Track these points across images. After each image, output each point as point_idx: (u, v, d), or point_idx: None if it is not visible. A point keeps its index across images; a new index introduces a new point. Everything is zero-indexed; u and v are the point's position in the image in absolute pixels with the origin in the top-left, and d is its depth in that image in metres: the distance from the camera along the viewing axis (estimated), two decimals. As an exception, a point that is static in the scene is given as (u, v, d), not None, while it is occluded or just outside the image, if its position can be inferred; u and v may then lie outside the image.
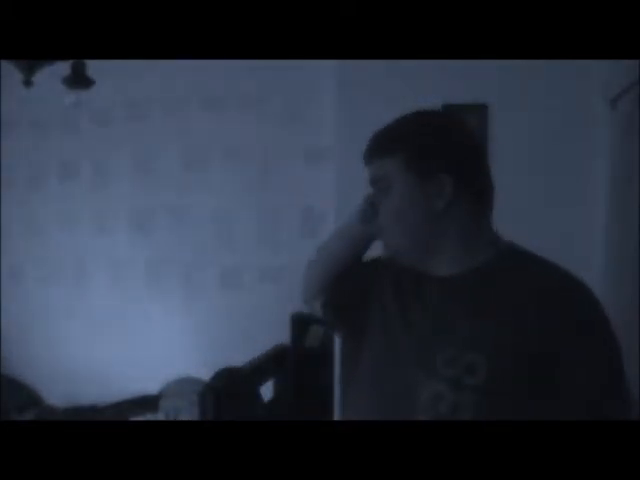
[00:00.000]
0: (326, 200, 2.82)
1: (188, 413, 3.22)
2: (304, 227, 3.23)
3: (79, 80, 2.60)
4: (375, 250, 1.31)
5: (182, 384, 3.36)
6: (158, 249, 3.63)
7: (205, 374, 2.53)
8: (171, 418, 3.31)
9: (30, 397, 3.64)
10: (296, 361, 1.84)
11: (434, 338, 1.11)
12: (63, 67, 2.51)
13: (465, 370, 1.05)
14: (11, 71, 2.24)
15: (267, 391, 2.68)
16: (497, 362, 1.05)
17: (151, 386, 3.42)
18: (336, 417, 1.51)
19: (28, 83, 2.19)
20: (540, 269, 1.13)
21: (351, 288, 1.31)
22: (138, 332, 3.62)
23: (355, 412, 1.21)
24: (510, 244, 1.18)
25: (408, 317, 1.17)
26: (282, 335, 2.89)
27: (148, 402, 3.39)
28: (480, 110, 2.42)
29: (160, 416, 3.35)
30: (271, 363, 1.91)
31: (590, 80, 2.33)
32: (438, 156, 1.14)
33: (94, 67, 2.62)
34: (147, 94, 3.56)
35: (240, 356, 2.50)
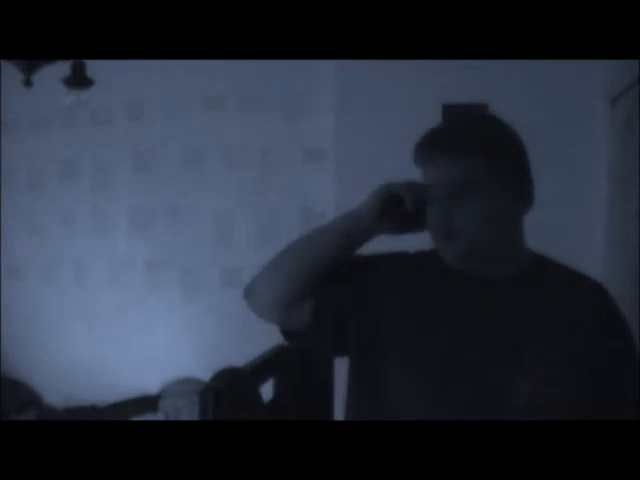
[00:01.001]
0: (326, 200, 2.82)
1: (188, 413, 3.22)
2: (304, 227, 3.22)
3: (79, 80, 2.59)
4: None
5: (182, 384, 3.36)
6: (158, 249, 3.62)
7: (205, 374, 2.53)
8: (171, 418, 3.31)
9: (30, 397, 3.63)
10: (296, 361, 1.83)
11: (514, 338, 1.11)
12: (63, 67, 2.50)
13: (553, 367, 1.08)
14: (11, 71, 2.24)
15: (267, 391, 2.68)
16: (577, 359, 1.09)
17: (151, 386, 3.42)
18: (336, 417, 1.51)
19: (28, 83, 2.19)
20: (570, 274, 1.20)
21: (352, 288, 1.18)
22: (138, 332, 3.62)
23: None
24: (534, 252, 1.22)
25: (470, 319, 1.14)
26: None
27: (148, 402, 3.38)
28: (480, 110, 2.42)
29: (160, 416, 3.35)
30: (271, 363, 1.90)
31: (590, 80, 2.33)
32: (519, 161, 1.16)
33: (94, 67, 2.62)
34: (147, 94, 3.55)
35: (240, 356, 2.50)
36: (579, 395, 1.10)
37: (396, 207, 1.13)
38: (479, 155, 1.10)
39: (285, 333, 1.23)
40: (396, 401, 1.13)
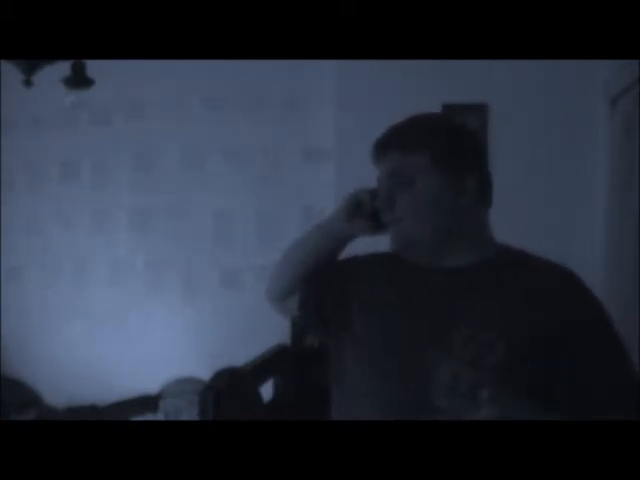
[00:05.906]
0: (326, 200, 2.81)
1: (188, 413, 3.22)
2: (304, 227, 3.22)
3: (79, 80, 2.59)
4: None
5: (182, 384, 3.36)
6: (158, 249, 3.63)
7: (205, 374, 2.53)
8: (171, 418, 3.31)
9: (30, 397, 3.64)
10: (296, 361, 1.84)
11: (447, 322, 1.14)
12: (63, 67, 2.50)
13: (483, 350, 1.09)
14: (11, 71, 2.24)
15: (267, 391, 2.68)
16: (512, 342, 1.09)
17: (151, 386, 3.42)
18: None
19: (28, 83, 2.19)
20: (539, 264, 1.20)
21: (332, 284, 1.30)
22: (138, 332, 3.62)
23: (359, 403, 1.20)
24: (505, 245, 1.22)
25: (414, 305, 1.19)
26: (282, 335, 2.89)
27: (148, 402, 3.39)
28: (480, 110, 2.42)
29: (160, 416, 3.35)
30: (271, 363, 1.90)
31: (590, 80, 2.34)
32: (462, 156, 1.19)
33: (94, 67, 2.62)
34: (147, 94, 3.55)
35: (240, 356, 2.50)
36: (519, 384, 1.09)
37: (359, 210, 1.25)
38: (424, 151, 1.16)
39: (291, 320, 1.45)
40: (347, 393, 1.23)
